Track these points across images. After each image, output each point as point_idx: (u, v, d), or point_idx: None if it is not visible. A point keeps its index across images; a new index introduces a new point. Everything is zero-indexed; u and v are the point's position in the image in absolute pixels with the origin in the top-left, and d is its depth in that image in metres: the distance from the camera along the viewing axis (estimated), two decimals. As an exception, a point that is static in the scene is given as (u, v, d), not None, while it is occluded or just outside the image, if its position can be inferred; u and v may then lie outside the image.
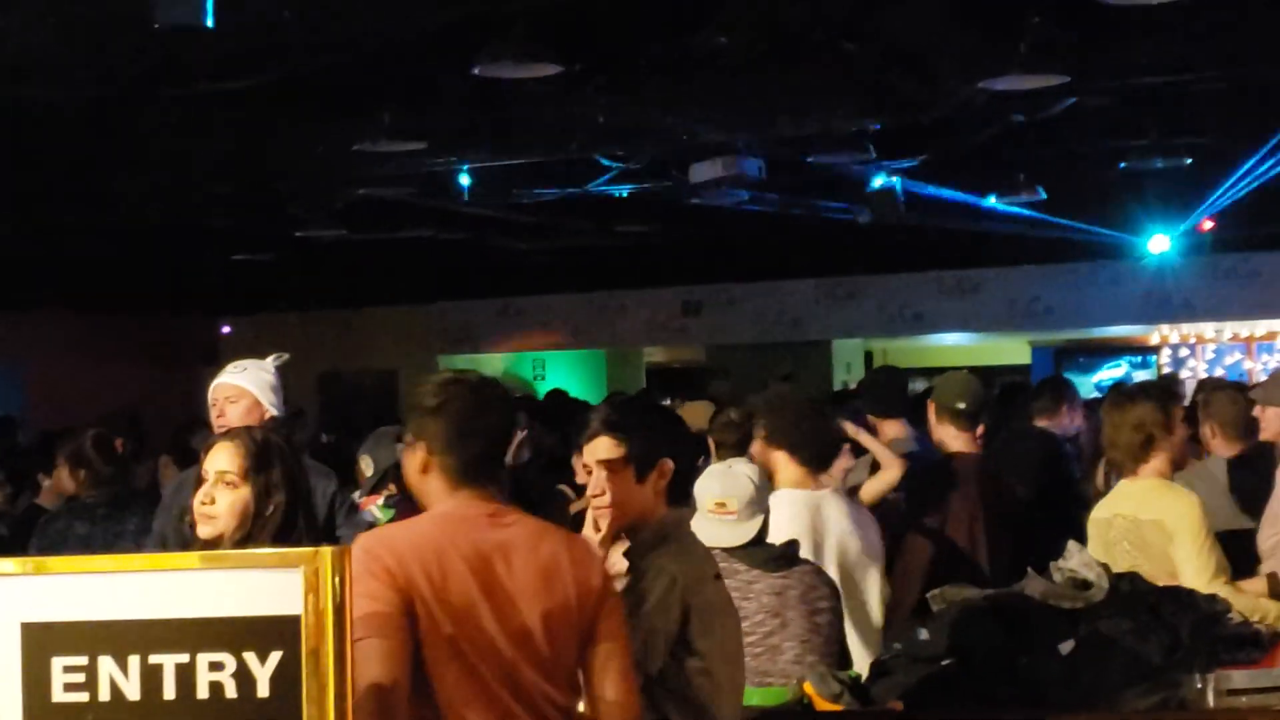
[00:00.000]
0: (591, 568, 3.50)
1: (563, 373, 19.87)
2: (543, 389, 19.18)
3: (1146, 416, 5.49)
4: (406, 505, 5.80)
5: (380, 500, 5.83)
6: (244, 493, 3.97)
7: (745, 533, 4.91)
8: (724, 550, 4.73)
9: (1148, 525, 5.37)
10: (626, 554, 3.87)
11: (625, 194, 13.04)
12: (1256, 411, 6.26)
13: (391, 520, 5.72)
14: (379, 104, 9.80)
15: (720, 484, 4.92)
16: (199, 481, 4.10)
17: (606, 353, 19.91)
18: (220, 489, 4.00)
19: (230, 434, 4.19)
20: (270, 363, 5.61)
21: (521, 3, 7.72)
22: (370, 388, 18.52)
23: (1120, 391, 6.15)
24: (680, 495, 4.17)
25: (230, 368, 5.56)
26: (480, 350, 19.12)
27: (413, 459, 3.49)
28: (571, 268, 17.00)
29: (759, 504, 4.98)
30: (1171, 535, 5.29)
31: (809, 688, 4.78)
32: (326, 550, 2.69)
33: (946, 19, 8.28)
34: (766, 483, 5.14)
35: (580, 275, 17.40)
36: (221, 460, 4.02)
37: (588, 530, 3.93)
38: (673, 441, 4.08)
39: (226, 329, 19.85)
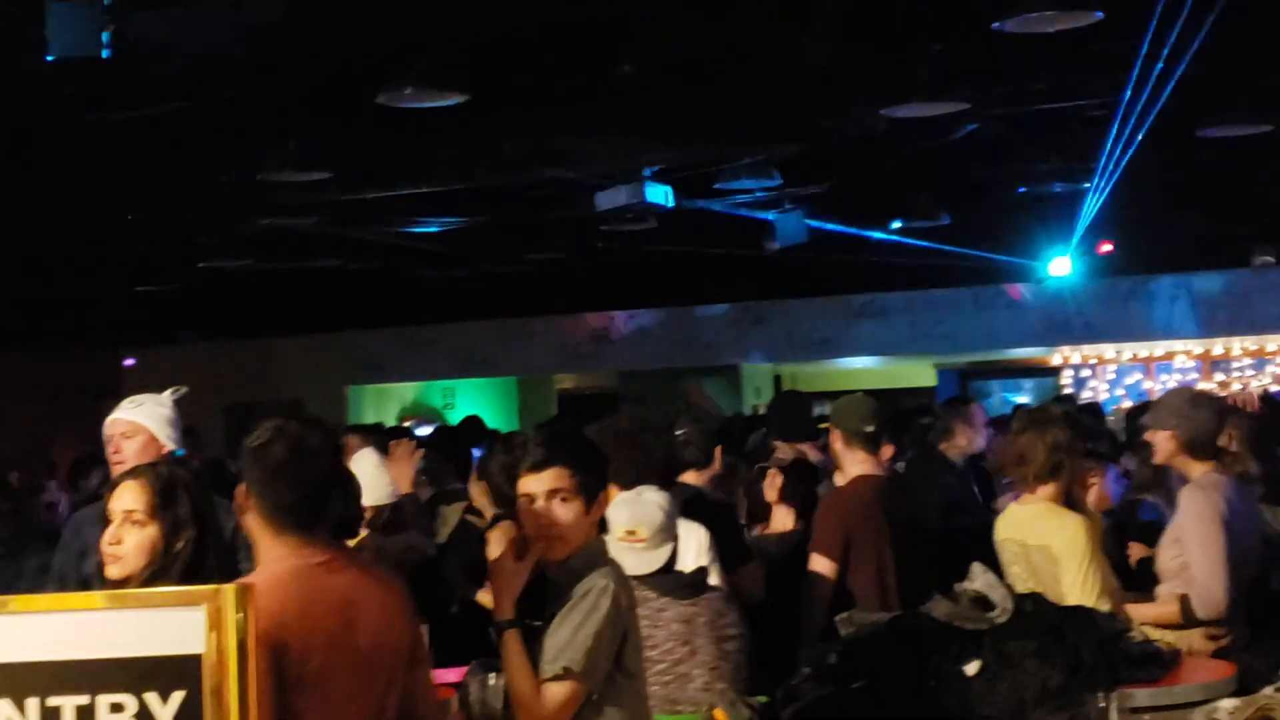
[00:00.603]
0: (403, 601, 3.66)
1: (473, 401, 19.79)
2: (453, 417, 19.11)
3: (1062, 440, 5.53)
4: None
5: None
6: (151, 531, 3.90)
7: (655, 560, 4.91)
8: (634, 577, 4.73)
9: (1035, 550, 5.41)
10: (557, 576, 3.87)
11: (534, 221, 13.06)
12: (1147, 435, 6.32)
13: None
14: (285, 133, 9.75)
15: (630, 512, 4.92)
16: (105, 521, 4.03)
17: (518, 380, 19.87)
18: (127, 528, 3.93)
19: (135, 471, 4.12)
20: (167, 397, 5.47)
21: (427, 33, 7.71)
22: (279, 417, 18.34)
23: (1039, 413, 6.18)
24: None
25: (126, 403, 5.43)
26: (389, 379, 19.03)
27: (239, 496, 3.59)
28: (481, 295, 16.98)
29: (668, 531, 4.98)
30: (1058, 559, 5.32)
31: (719, 714, 4.79)
32: (229, 588, 2.67)
33: (850, 48, 8.37)
34: (675, 509, 5.14)
35: (490, 302, 17.38)
36: (127, 499, 3.95)
37: (494, 553, 3.90)
38: (605, 471, 4.10)
39: (129, 361, 19.59)
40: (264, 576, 3.41)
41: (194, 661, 2.63)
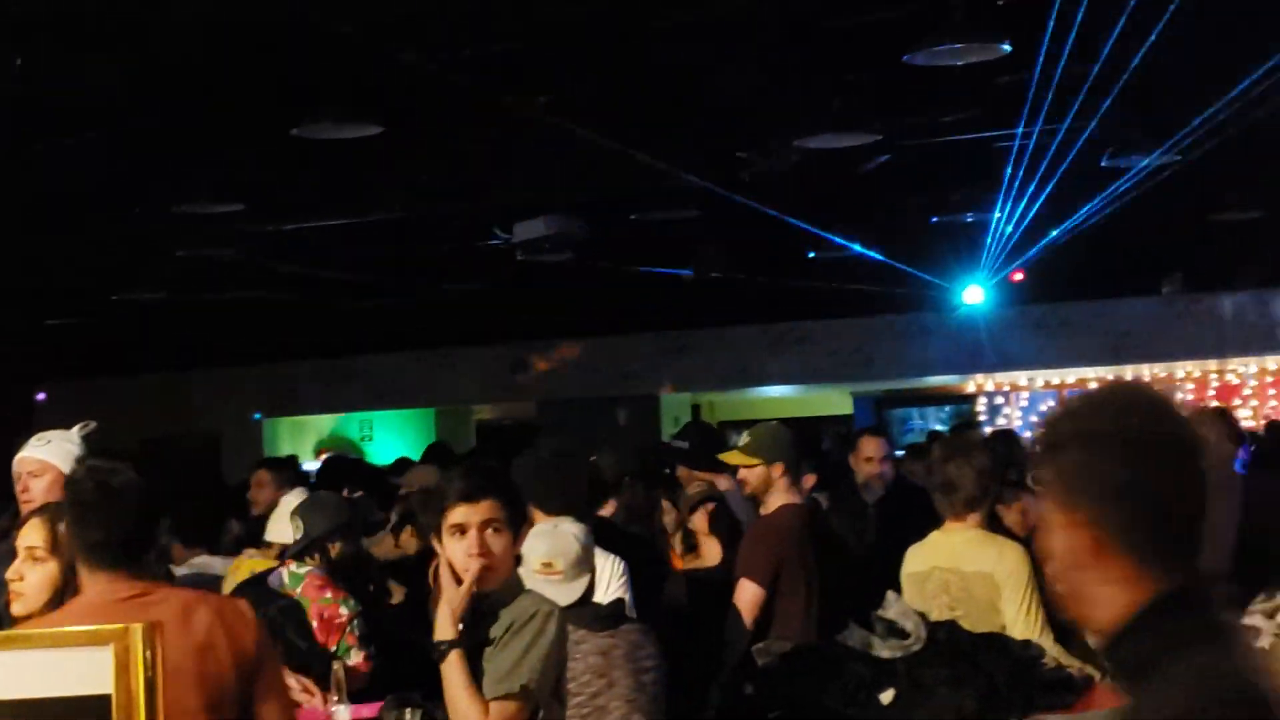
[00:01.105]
0: (246, 630, 3.68)
1: (391, 432, 19.69)
2: (370, 448, 19.00)
3: (989, 465, 5.54)
4: (327, 576, 5.73)
5: (293, 566, 5.71)
6: (51, 567, 3.89)
7: (572, 592, 4.90)
8: (551, 609, 4.74)
9: (973, 577, 5.37)
10: (481, 606, 3.89)
11: (451, 252, 13.03)
12: None
13: (299, 587, 5.65)
14: (199, 165, 9.69)
15: (548, 544, 4.91)
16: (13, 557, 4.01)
17: (436, 411, 19.79)
18: (29, 565, 3.92)
19: (42, 509, 4.10)
20: (76, 433, 5.39)
21: (341, 64, 7.70)
22: (193, 452, 18.17)
23: (962, 440, 6.20)
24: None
25: (33, 440, 5.35)
26: (304, 411, 18.90)
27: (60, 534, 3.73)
28: (399, 326, 16.91)
29: (585, 564, 4.98)
30: (1000, 587, 5.30)
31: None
32: (137, 627, 2.64)
33: (764, 80, 8.44)
34: (592, 541, 5.14)
35: (407, 334, 17.32)
36: (30, 536, 3.95)
37: (449, 586, 3.91)
38: (524, 505, 4.15)
39: (41, 396, 19.34)
40: (68, 611, 3.58)
41: (102, 702, 2.60)
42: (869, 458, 7.83)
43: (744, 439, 6.20)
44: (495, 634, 3.85)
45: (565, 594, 4.88)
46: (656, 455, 8.01)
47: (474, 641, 3.86)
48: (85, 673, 2.62)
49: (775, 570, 5.93)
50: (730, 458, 6.29)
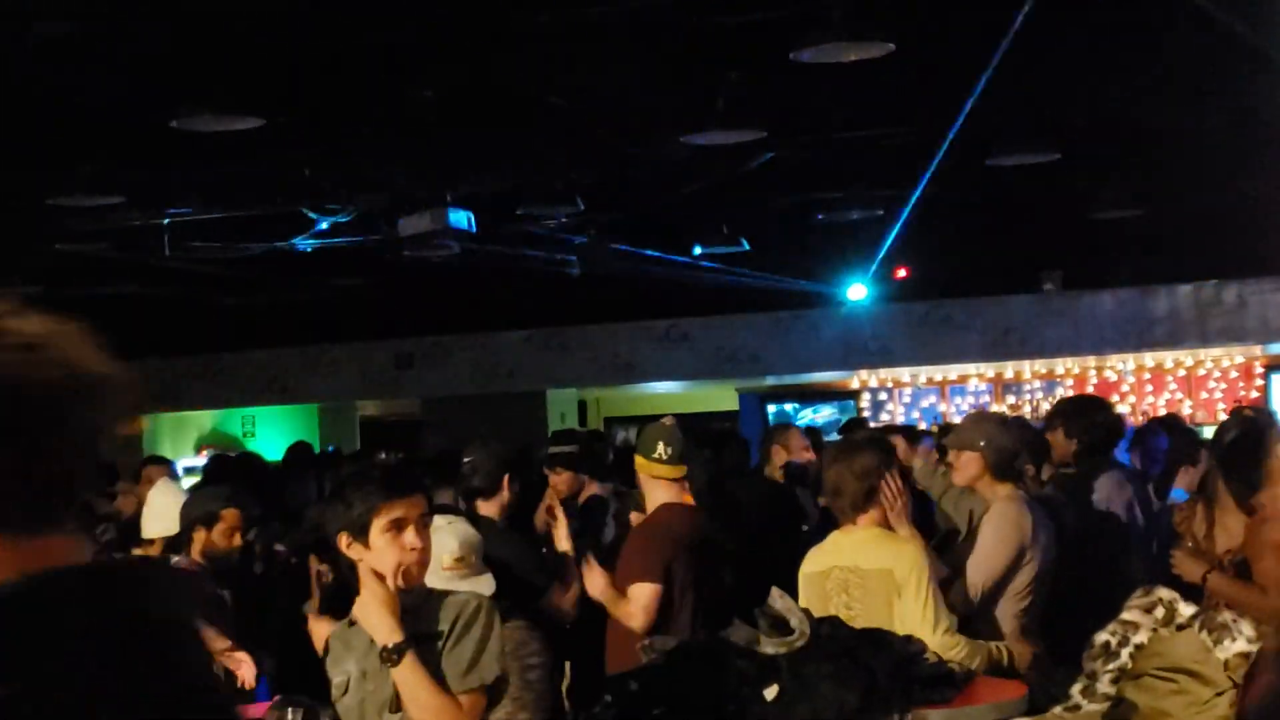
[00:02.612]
0: None
1: (274, 429, 19.49)
2: (253, 445, 18.78)
3: (871, 466, 5.57)
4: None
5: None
6: None
7: (489, 584, 4.91)
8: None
9: (873, 575, 5.37)
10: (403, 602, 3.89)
11: (334, 247, 12.91)
12: (951, 456, 6.44)
13: None
14: (75, 158, 9.51)
15: (458, 539, 4.91)
16: None
17: (319, 407, 19.60)
18: None
19: None
20: None
21: (221, 56, 7.59)
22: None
23: (846, 441, 6.24)
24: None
25: None
26: (186, 407, 18.63)
27: None
28: (280, 322, 16.74)
29: (480, 558, 4.99)
30: (900, 585, 5.31)
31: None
32: None
33: (649, 76, 8.44)
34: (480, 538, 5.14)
35: (290, 329, 17.14)
36: None
37: (378, 586, 3.90)
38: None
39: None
40: None
41: None
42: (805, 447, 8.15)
43: (665, 450, 6.11)
44: (436, 629, 3.86)
45: (484, 586, 4.87)
46: (538, 457, 8.03)
47: (418, 639, 3.84)
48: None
49: (666, 568, 5.92)
50: (665, 470, 6.18)
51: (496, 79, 8.36)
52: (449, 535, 4.89)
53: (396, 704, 3.85)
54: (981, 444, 5.96)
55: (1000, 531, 5.78)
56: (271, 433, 19.29)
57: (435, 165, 10.37)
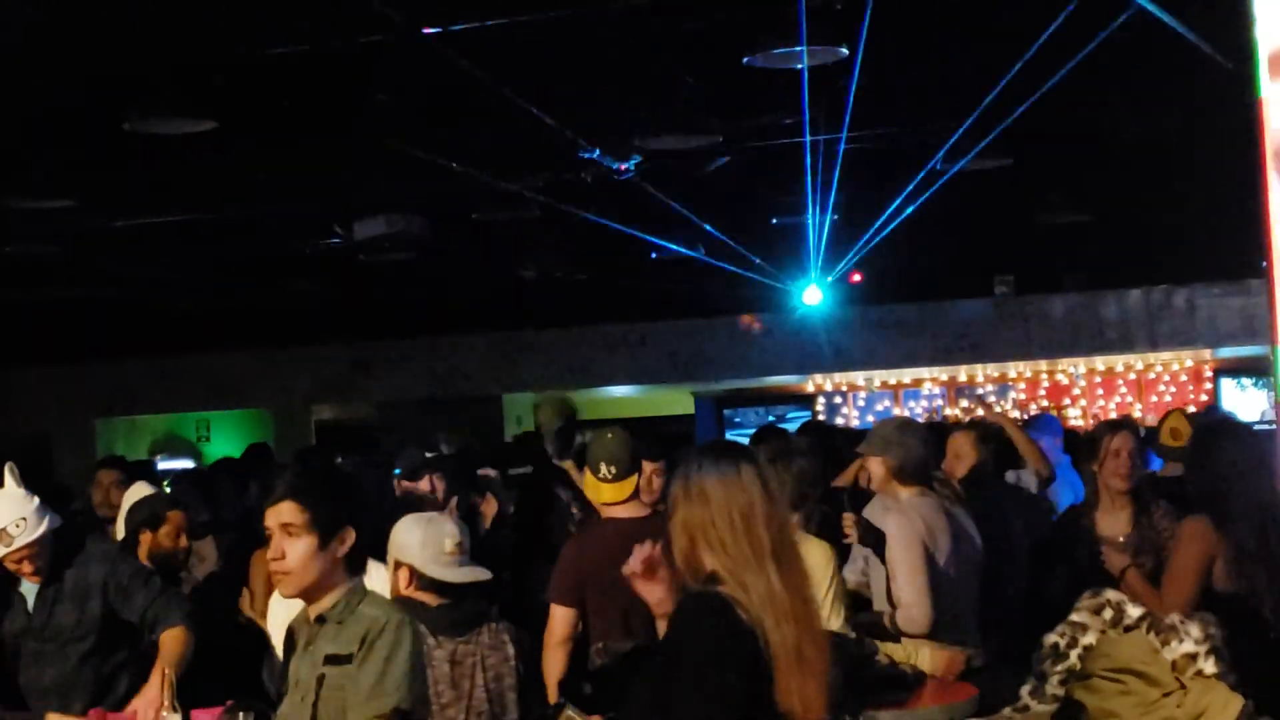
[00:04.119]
0: None
1: (229, 433, 19.39)
2: (207, 450, 18.69)
3: (807, 469, 5.63)
4: None
5: None
6: None
7: (478, 573, 4.96)
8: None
9: None
10: (327, 617, 3.83)
11: (289, 251, 12.87)
12: (863, 462, 6.54)
13: None
14: (26, 160, 9.45)
15: (457, 526, 4.97)
16: None
17: (274, 411, 19.52)
18: None
19: None
20: None
21: (174, 58, 7.55)
22: (21, 453, 17.68)
23: (785, 446, 6.29)
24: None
25: None
26: (138, 411, 18.52)
27: None
28: (236, 325, 16.65)
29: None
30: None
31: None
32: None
33: (604, 80, 8.45)
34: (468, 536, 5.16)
35: (245, 333, 17.05)
36: None
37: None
38: (355, 509, 3.99)
39: None
40: None
41: None
42: None
43: (608, 469, 5.96)
44: (348, 650, 3.75)
45: (472, 573, 4.90)
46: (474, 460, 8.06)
47: (323, 654, 3.79)
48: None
49: (580, 587, 5.79)
50: (609, 493, 6.05)
51: (452, 82, 8.34)
52: (448, 522, 4.95)
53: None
54: (887, 449, 6.03)
55: (898, 532, 5.83)
56: (227, 437, 19.19)
57: (390, 168, 10.34)
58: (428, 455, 7.22)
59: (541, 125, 9.30)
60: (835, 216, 11.92)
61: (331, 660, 3.75)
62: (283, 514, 3.84)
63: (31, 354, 17.38)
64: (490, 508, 7.47)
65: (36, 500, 5.57)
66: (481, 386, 17.43)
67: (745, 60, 7.47)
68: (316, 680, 3.77)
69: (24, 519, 5.48)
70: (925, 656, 5.58)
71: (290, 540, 3.81)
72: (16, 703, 5.57)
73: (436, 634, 4.84)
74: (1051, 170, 11.38)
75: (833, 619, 5.35)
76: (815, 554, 5.48)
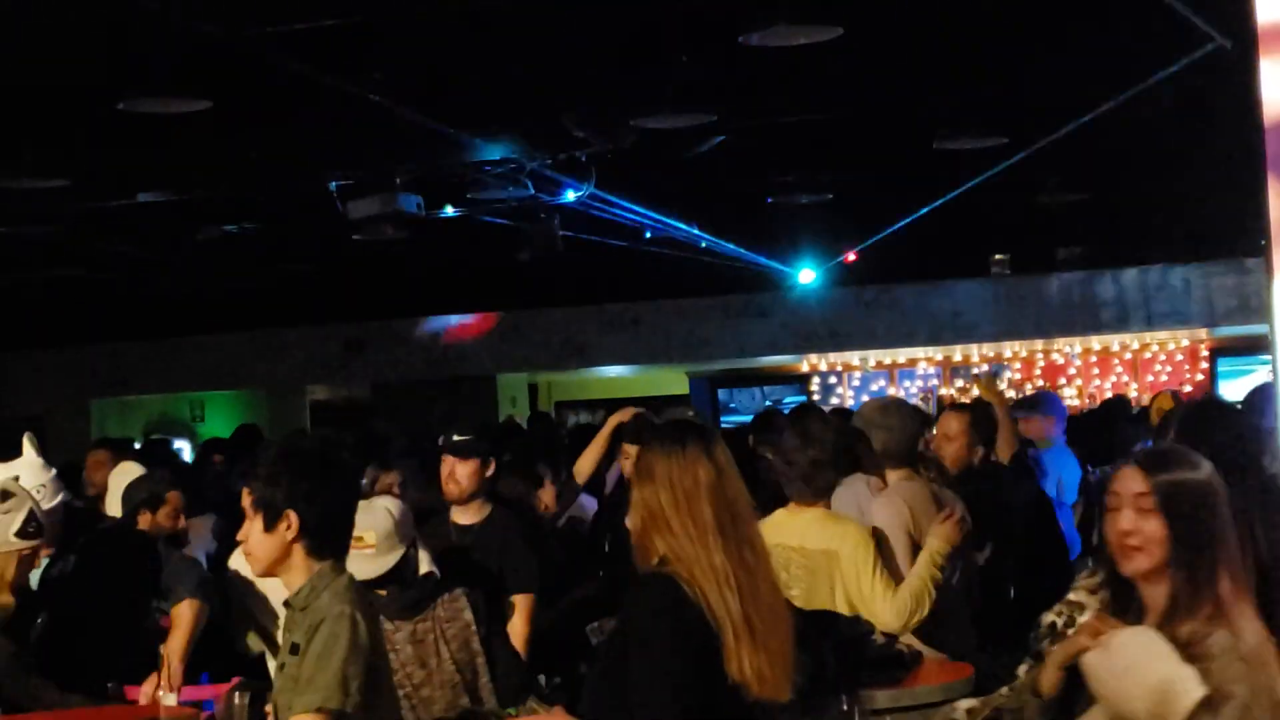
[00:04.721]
0: None
1: (223, 413, 19.38)
2: (202, 430, 18.68)
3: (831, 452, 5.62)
4: None
5: None
6: None
7: (381, 566, 4.93)
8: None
9: (818, 555, 5.43)
10: (292, 603, 3.82)
11: (284, 231, 12.84)
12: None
13: None
14: (19, 140, 9.42)
15: (360, 519, 4.89)
16: None
17: (268, 392, 19.51)
18: None
19: None
20: None
21: (168, 38, 7.52)
22: (15, 434, 17.65)
23: (804, 422, 6.27)
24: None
25: None
26: (133, 392, 18.50)
27: None
28: (229, 306, 16.61)
29: (397, 538, 4.99)
30: (845, 564, 5.38)
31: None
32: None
33: (599, 59, 8.43)
34: (410, 517, 5.14)
35: (239, 313, 17.02)
36: None
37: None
38: (305, 493, 3.81)
39: None
40: None
41: None
42: None
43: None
44: (305, 639, 3.69)
45: (375, 567, 4.89)
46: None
47: (288, 642, 3.80)
48: None
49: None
50: None
51: (446, 60, 8.33)
52: (357, 515, 4.91)
53: None
54: (870, 431, 6.02)
55: (885, 514, 5.81)
56: (221, 417, 19.18)
57: (384, 147, 10.31)
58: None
59: (536, 102, 9.29)
60: (831, 196, 11.91)
61: (294, 650, 3.72)
62: (245, 495, 3.90)
63: (25, 335, 17.36)
64: (548, 495, 7.56)
65: (54, 470, 5.78)
66: (475, 366, 17.43)
67: (740, 39, 7.45)
68: (279, 668, 3.78)
69: (44, 485, 5.68)
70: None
71: (249, 522, 3.85)
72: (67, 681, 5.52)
73: (393, 619, 4.88)
74: (1048, 149, 11.36)
75: (878, 600, 5.33)
76: (852, 535, 5.47)
